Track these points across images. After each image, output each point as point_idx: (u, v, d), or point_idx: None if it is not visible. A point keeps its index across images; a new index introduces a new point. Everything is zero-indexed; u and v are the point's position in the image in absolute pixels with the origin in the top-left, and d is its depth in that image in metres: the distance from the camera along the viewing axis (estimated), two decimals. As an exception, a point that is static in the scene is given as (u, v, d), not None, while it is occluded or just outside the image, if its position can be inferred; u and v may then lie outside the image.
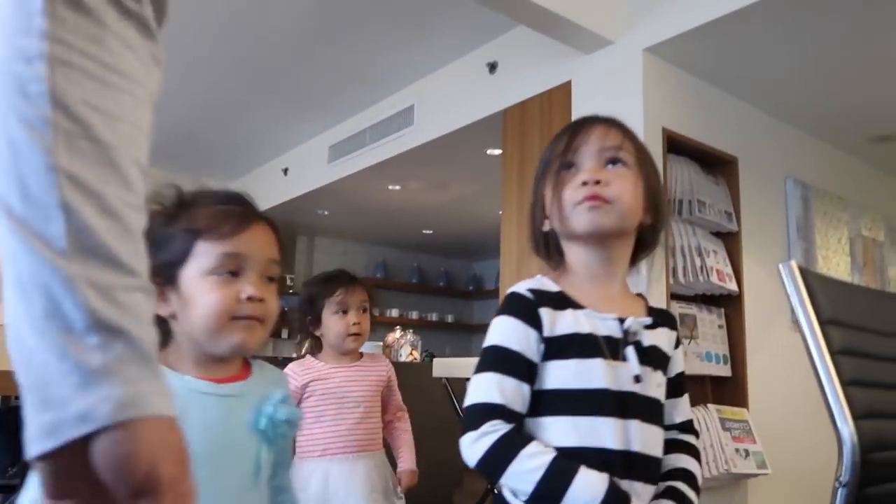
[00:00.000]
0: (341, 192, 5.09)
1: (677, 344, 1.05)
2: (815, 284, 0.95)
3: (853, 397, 0.89)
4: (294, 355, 7.31)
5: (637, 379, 0.93)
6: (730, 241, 3.05)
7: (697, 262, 2.85)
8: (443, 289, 7.77)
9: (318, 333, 1.90)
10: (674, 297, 2.79)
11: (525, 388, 0.92)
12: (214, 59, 3.73)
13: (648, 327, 0.98)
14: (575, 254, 1.01)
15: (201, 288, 0.89)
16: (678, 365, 1.04)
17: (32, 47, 0.43)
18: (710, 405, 2.82)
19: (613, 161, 0.98)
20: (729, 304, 3.01)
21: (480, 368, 0.95)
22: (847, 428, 0.88)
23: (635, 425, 0.92)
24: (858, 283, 3.72)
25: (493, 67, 3.42)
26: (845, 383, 0.89)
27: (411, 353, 4.92)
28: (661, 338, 1.00)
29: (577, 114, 2.97)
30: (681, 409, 1.04)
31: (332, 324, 1.86)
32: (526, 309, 0.95)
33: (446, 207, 5.63)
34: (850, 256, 3.70)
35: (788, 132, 3.52)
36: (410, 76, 3.90)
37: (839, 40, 2.72)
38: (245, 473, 0.89)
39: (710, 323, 2.96)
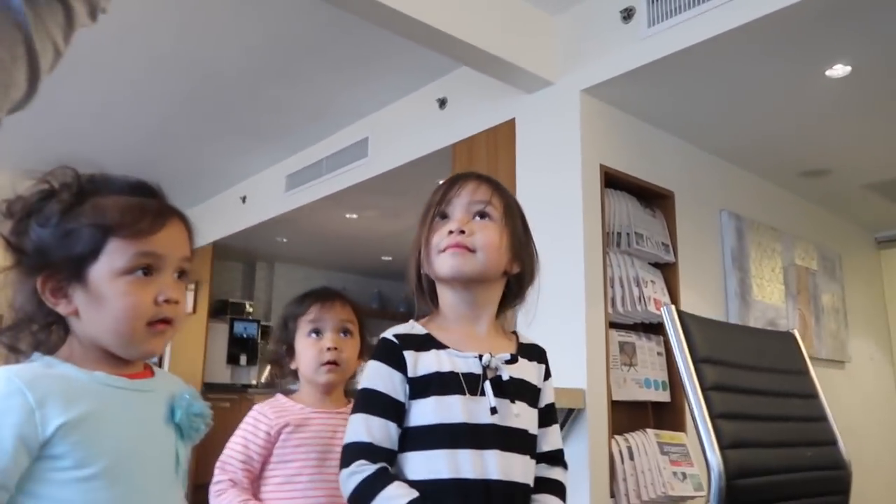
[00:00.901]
0: (299, 220, 5.15)
1: (547, 376, 1.14)
2: (692, 326, 1.06)
3: (721, 429, 0.99)
4: (254, 382, 7.19)
5: (493, 411, 1.01)
6: (667, 272, 3.18)
7: (636, 291, 2.97)
8: (404, 314, 7.81)
9: (294, 366, 1.50)
10: (613, 325, 2.90)
11: (391, 427, 1.01)
12: (170, 91, 3.79)
13: (509, 362, 1.07)
14: (444, 296, 1.11)
15: (114, 289, 0.84)
16: (548, 396, 1.13)
17: None
18: (648, 430, 2.92)
19: (482, 214, 1.10)
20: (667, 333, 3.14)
21: (354, 409, 1.04)
22: (715, 457, 0.98)
23: (493, 455, 1.00)
24: (793, 310, 3.90)
25: (442, 103, 3.54)
26: (714, 416, 0.99)
27: (368, 380, 4.96)
28: (526, 371, 1.10)
29: (521, 150, 3.10)
30: (549, 438, 1.12)
31: (304, 349, 1.46)
32: (391, 353, 1.05)
33: (403, 235, 5.71)
34: (784, 285, 3.87)
35: (722, 167, 3.70)
36: (364, 110, 4.01)
37: (759, 85, 2.90)
38: (166, 467, 0.91)
39: (649, 350, 3.08)
